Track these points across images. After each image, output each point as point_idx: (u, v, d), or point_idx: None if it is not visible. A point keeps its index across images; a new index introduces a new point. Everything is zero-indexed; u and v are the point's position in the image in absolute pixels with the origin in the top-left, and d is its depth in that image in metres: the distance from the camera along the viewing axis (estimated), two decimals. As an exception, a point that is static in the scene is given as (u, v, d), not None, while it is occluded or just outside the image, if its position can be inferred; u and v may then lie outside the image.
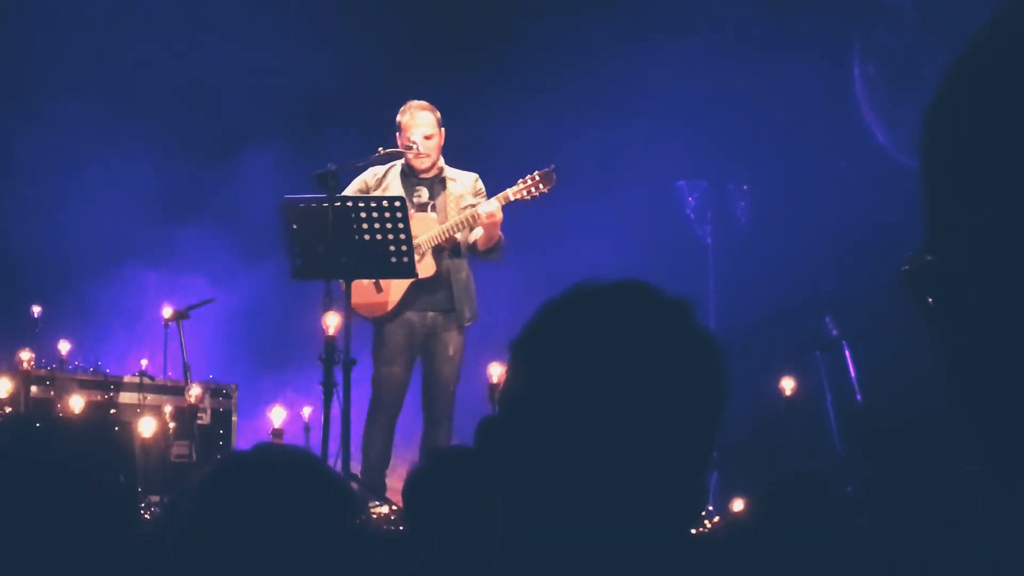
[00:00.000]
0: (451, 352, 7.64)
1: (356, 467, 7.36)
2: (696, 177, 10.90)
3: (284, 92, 10.97)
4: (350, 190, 7.64)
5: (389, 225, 7.15)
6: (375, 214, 7.16)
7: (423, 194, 7.69)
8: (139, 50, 10.81)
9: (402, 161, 7.72)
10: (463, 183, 7.76)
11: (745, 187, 10.82)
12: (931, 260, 1.03)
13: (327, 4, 10.98)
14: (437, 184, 7.74)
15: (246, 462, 2.15)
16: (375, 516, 6.71)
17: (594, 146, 10.44)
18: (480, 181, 7.81)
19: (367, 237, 7.16)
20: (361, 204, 7.21)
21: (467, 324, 7.68)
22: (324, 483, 2.08)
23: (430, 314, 7.62)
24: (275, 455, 2.15)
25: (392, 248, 7.17)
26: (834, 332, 8.82)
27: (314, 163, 7.51)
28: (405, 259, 7.19)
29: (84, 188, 10.52)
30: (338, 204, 7.15)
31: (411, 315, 7.61)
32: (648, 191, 10.58)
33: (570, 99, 10.52)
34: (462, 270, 7.71)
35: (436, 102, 7.84)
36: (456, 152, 7.96)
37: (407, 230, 7.17)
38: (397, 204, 7.19)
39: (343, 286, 7.29)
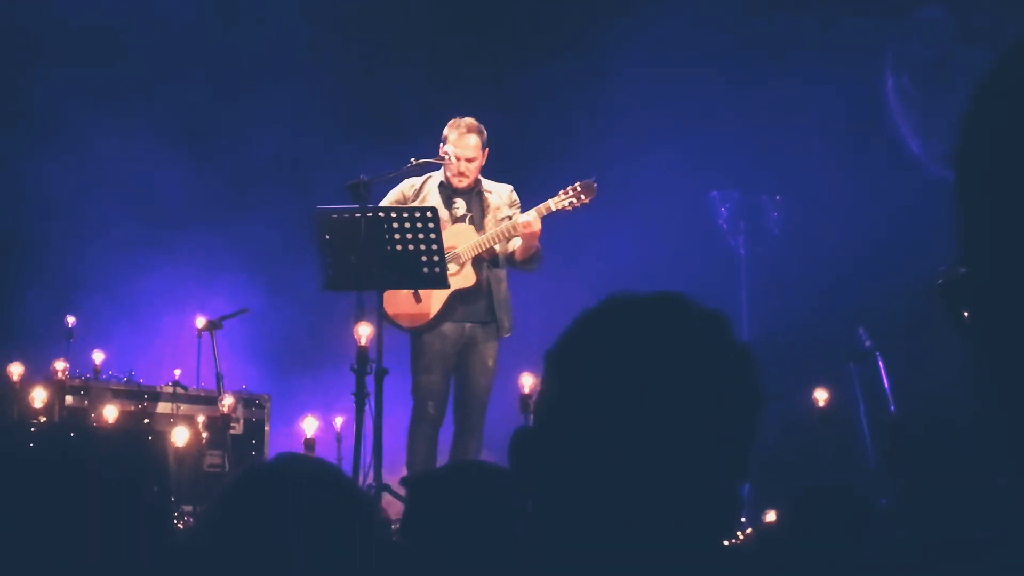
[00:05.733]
0: (489, 364, 7.66)
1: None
2: (729, 187, 10.87)
3: (329, 98, 10.98)
4: (386, 201, 7.65)
5: (421, 235, 7.15)
6: (407, 224, 7.16)
7: (461, 206, 7.71)
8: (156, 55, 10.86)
9: (440, 172, 7.73)
10: (499, 195, 7.78)
11: (778, 198, 10.78)
12: (965, 273, 1.02)
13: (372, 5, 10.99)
14: (475, 196, 7.75)
15: (266, 473, 2.17)
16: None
17: (628, 157, 10.42)
18: (515, 192, 7.82)
19: (399, 247, 7.16)
20: (393, 214, 7.21)
21: (504, 336, 7.69)
22: (343, 493, 2.09)
23: (468, 325, 7.64)
24: (295, 466, 2.16)
25: (424, 258, 7.17)
26: (867, 343, 8.75)
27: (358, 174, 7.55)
28: (437, 269, 7.19)
29: (113, 198, 10.54)
30: (370, 215, 7.16)
31: (449, 325, 7.62)
32: (681, 202, 10.56)
33: (606, 110, 10.51)
34: (502, 281, 7.73)
35: (474, 112, 7.83)
36: (493, 163, 7.95)
37: (439, 240, 7.17)
38: (429, 214, 7.19)
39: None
